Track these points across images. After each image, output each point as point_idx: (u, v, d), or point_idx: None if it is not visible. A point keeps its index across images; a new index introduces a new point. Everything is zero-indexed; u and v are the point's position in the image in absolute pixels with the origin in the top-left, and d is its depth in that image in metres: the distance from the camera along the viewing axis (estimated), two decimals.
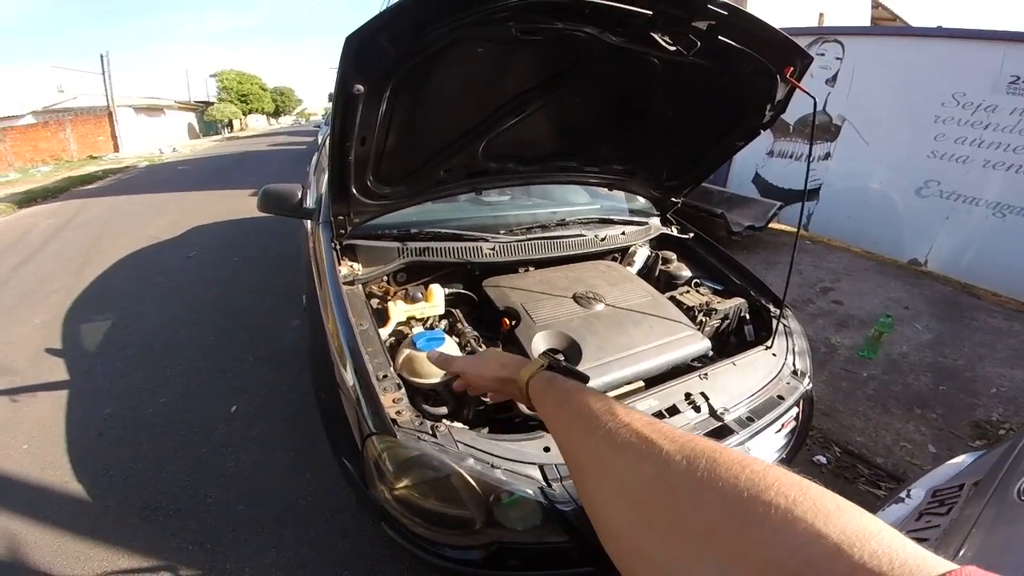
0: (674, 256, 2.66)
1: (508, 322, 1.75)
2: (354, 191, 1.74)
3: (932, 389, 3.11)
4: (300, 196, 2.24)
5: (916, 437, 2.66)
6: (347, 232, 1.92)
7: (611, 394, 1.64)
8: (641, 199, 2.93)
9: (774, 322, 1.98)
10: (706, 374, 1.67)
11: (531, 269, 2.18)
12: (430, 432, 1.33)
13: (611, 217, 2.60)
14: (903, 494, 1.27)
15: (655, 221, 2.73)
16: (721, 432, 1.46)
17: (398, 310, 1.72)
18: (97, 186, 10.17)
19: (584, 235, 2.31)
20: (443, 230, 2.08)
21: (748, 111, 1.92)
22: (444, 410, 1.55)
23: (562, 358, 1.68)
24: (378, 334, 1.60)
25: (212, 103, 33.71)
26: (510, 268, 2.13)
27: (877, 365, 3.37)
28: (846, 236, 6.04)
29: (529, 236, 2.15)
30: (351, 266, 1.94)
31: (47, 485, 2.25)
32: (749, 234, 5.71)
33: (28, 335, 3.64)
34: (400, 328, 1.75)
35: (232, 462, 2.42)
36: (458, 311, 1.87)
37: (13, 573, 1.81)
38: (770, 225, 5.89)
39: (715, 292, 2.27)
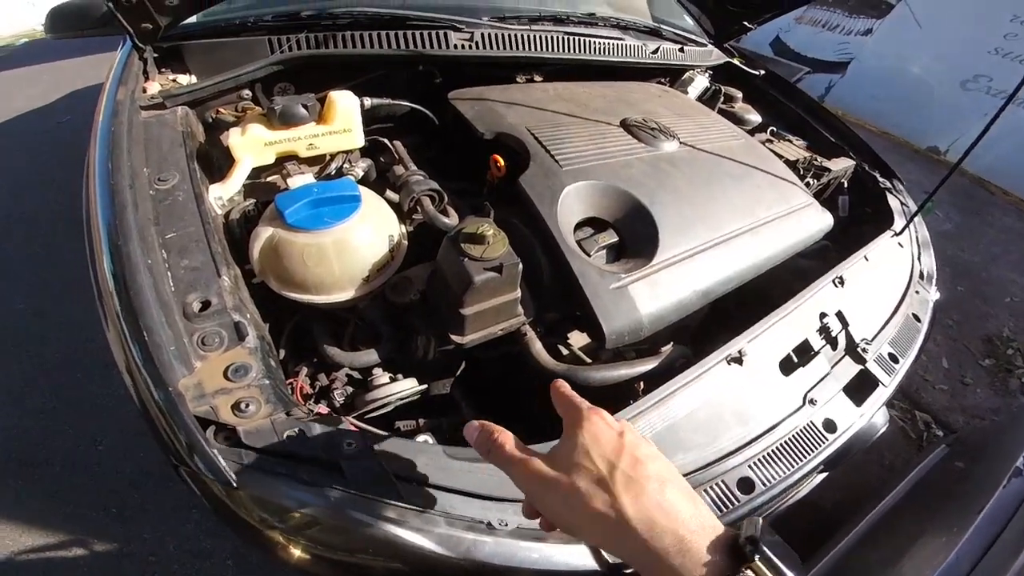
0: (740, 94, 1.77)
1: (501, 162, 0.84)
2: None
3: (950, 288, 2.93)
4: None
5: (931, 347, 2.46)
6: (159, 27, 0.89)
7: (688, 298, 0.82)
8: (689, 18, 1.96)
9: (888, 197, 1.44)
10: (841, 278, 1.05)
11: (538, 79, 1.20)
12: (324, 457, 0.53)
13: (660, 28, 1.63)
14: None
15: (713, 47, 1.84)
16: (863, 384, 0.93)
17: (249, 140, 0.75)
18: None
19: (625, 40, 1.32)
20: (371, 9, 1.05)
21: None
22: (373, 356, 0.71)
23: (613, 238, 0.81)
24: (200, 198, 0.68)
25: None
26: (500, 77, 1.15)
27: None
28: (865, 114, 5.83)
29: (535, 28, 1.15)
30: (173, 81, 0.95)
31: None
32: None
33: None
34: (268, 180, 0.81)
35: (117, 386, 1.83)
36: (397, 143, 0.92)
37: None
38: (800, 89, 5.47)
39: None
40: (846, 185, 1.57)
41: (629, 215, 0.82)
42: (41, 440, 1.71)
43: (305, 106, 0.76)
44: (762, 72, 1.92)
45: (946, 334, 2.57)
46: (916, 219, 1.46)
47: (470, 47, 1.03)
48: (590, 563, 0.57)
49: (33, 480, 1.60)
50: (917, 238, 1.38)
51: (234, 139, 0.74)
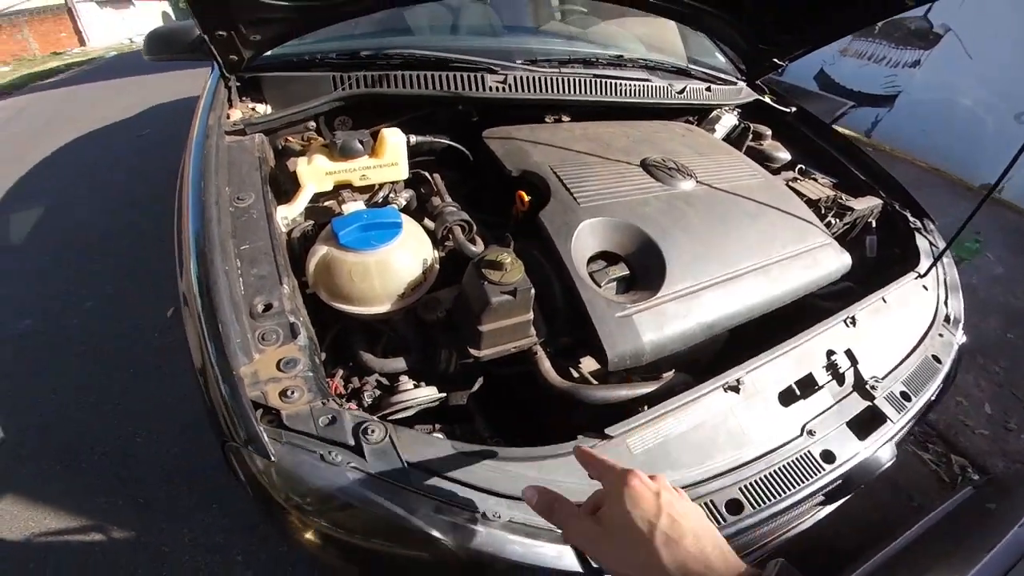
0: (769, 132, 1.80)
1: (526, 197, 0.94)
2: None
3: (999, 335, 2.80)
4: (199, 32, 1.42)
5: (974, 392, 2.37)
6: (243, 59, 1.05)
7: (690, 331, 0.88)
8: (721, 55, 2.02)
9: (917, 237, 1.43)
10: (853, 318, 1.08)
11: (565, 119, 1.30)
12: (350, 442, 0.62)
13: (688, 67, 1.69)
14: None
15: (743, 85, 1.88)
16: (870, 419, 0.95)
17: (313, 169, 0.90)
18: (57, 79, 9.24)
19: (651, 81, 1.41)
20: (419, 52, 1.19)
21: None
22: (401, 363, 0.81)
23: (624, 271, 0.89)
24: (270, 217, 0.81)
25: None
26: (531, 117, 1.27)
27: None
28: (914, 149, 5.57)
29: (564, 71, 1.26)
30: (252, 110, 1.10)
31: None
32: None
33: None
34: (326, 203, 0.95)
35: (164, 388, 2.01)
36: (436, 176, 1.04)
37: None
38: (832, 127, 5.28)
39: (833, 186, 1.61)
40: (874, 224, 1.57)
41: (640, 250, 0.90)
42: (86, 429, 1.84)
43: (361, 141, 0.89)
44: (792, 109, 1.94)
45: (992, 380, 2.46)
46: (946, 261, 1.45)
47: (504, 89, 1.14)
48: (571, 563, 0.63)
49: (70, 466, 1.71)
50: (946, 280, 1.37)
51: (301, 167, 0.88)
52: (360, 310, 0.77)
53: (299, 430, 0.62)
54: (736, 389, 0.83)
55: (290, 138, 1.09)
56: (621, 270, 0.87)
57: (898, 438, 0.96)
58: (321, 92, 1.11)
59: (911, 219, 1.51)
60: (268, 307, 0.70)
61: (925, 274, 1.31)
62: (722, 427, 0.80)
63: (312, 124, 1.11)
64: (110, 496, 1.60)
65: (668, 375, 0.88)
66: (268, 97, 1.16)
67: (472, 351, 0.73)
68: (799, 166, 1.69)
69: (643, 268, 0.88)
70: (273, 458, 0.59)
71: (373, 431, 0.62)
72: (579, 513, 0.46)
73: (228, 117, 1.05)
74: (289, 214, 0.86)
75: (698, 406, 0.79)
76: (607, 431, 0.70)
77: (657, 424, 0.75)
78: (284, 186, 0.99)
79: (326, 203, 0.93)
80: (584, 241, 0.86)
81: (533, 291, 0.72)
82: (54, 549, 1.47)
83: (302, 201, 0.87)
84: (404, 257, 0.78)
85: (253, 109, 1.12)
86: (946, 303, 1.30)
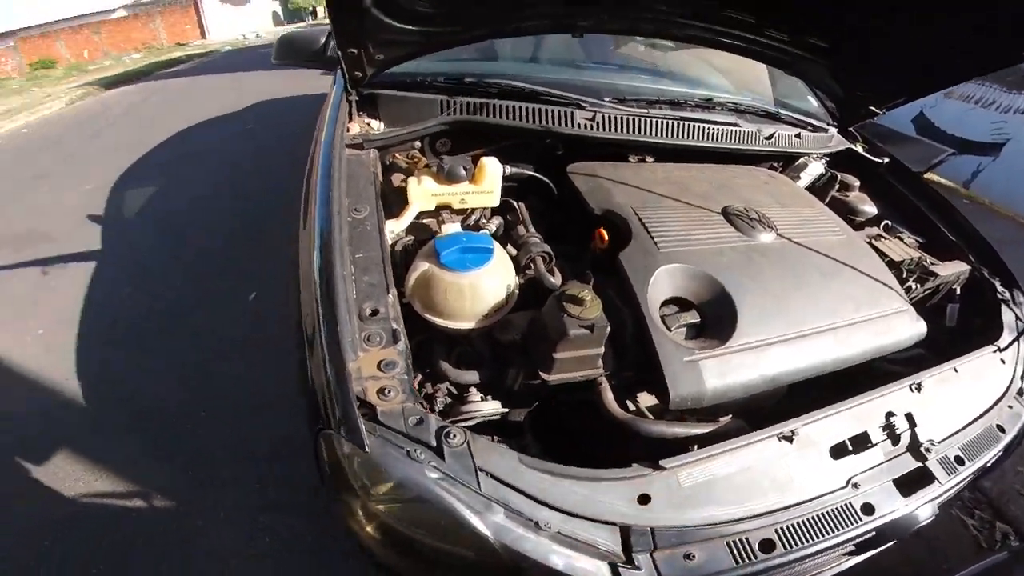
0: (856, 183, 1.73)
1: (606, 236, 1.00)
2: (372, 6, 0.98)
3: None
4: (324, 42, 1.73)
5: None
6: (365, 76, 1.19)
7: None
8: (813, 99, 1.97)
9: (1004, 309, 1.37)
10: (919, 384, 1.07)
11: (649, 160, 1.35)
12: (432, 443, 0.69)
13: (779, 112, 1.67)
14: None
15: (834, 132, 1.82)
16: (918, 478, 0.95)
17: (422, 190, 1.01)
18: (178, 69, 10.00)
19: (740, 126, 1.42)
20: (516, 83, 1.28)
21: None
22: (474, 376, 0.89)
23: (695, 318, 0.92)
24: (382, 230, 0.92)
25: None
26: (614, 154, 1.33)
27: None
28: (1018, 204, 4.96)
29: (652, 112, 1.31)
30: (368, 124, 1.24)
31: (49, 382, 2.10)
32: None
33: (75, 201, 3.65)
34: (425, 221, 1.06)
35: (238, 369, 2.14)
36: (522, 205, 1.13)
37: None
38: (926, 175, 4.82)
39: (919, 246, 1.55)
40: (958, 291, 1.49)
41: (714, 300, 0.94)
42: (154, 400, 1.95)
43: (465, 168, 0.99)
44: (885, 160, 1.86)
45: None
46: None
47: (592, 127, 1.21)
48: None
49: (134, 433, 1.81)
50: None
51: (412, 187, 0.99)
52: (448, 324, 0.86)
53: (390, 426, 0.69)
54: (790, 439, 0.85)
55: (397, 155, 1.22)
56: (692, 317, 0.91)
57: (943, 499, 0.95)
58: (427, 114, 1.23)
59: (1000, 288, 1.42)
60: (375, 312, 0.80)
61: (1004, 349, 1.25)
62: (769, 473, 0.83)
63: (417, 144, 1.24)
64: (164, 464, 1.71)
65: (725, 419, 0.91)
66: (382, 114, 1.29)
67: (543, 375, 0.80)
68: (885, 222, 1.63)
69: (715, 318, 0.92)
70: (367, 449, 0.66)
71: (455, 436, 0.70)
72: None
73: (348, 130, 1.19)
74: (396, 228, 0.98)
75: (751, 451, 0.82)
76: (662, 463, 0.75)
77: (708, 463, 0.79)
78: (389, 200, 1.11)
79: (425, 221, 1.04)
80: (660, 286, 0.91)
81: (608, 329, 0.78)
82: (93, 511, 1.56)
83: (408, 217, 0.99)
84: (493, 281, 0.87)
85: (369, 124, 1.25)
86: (1023, 378, 1.25)
